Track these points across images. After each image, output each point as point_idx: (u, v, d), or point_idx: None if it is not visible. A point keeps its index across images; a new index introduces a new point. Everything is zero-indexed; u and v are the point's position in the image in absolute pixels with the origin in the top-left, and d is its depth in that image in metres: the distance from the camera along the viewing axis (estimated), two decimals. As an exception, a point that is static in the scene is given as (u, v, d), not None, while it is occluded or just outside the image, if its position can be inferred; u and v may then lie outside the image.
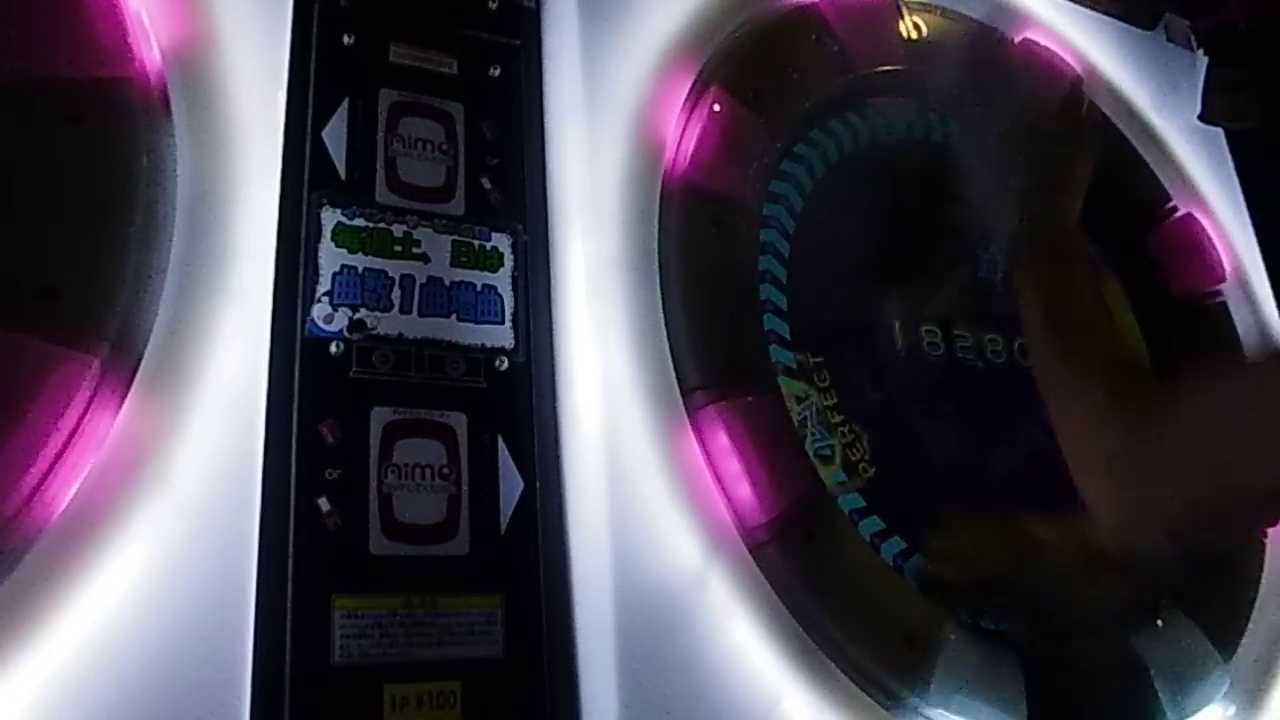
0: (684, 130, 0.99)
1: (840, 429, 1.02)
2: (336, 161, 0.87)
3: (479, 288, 0.89)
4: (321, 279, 0.83)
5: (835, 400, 1.03)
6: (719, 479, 0.88)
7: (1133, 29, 1.47)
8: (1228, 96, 1.43)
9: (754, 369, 0.94)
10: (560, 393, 0.89)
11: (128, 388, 0.71)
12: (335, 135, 0.87)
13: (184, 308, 0.75)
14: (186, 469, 0.71)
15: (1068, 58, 1.32)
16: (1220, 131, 1.46)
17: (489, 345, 0.87)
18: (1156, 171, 1.34)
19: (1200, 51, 1.49)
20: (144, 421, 0.71)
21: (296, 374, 0.79)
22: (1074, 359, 0.81)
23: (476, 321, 0.87)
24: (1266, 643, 1.12)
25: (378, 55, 0.92)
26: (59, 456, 0.66)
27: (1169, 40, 1.49)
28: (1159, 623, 1.06)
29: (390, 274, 0.85)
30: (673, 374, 0.90)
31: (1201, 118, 1.43)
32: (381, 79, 0.92)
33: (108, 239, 0.71)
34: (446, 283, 0.87)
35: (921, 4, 1.21)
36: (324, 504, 0.76)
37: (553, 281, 0.92)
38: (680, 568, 0.84)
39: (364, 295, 0.84)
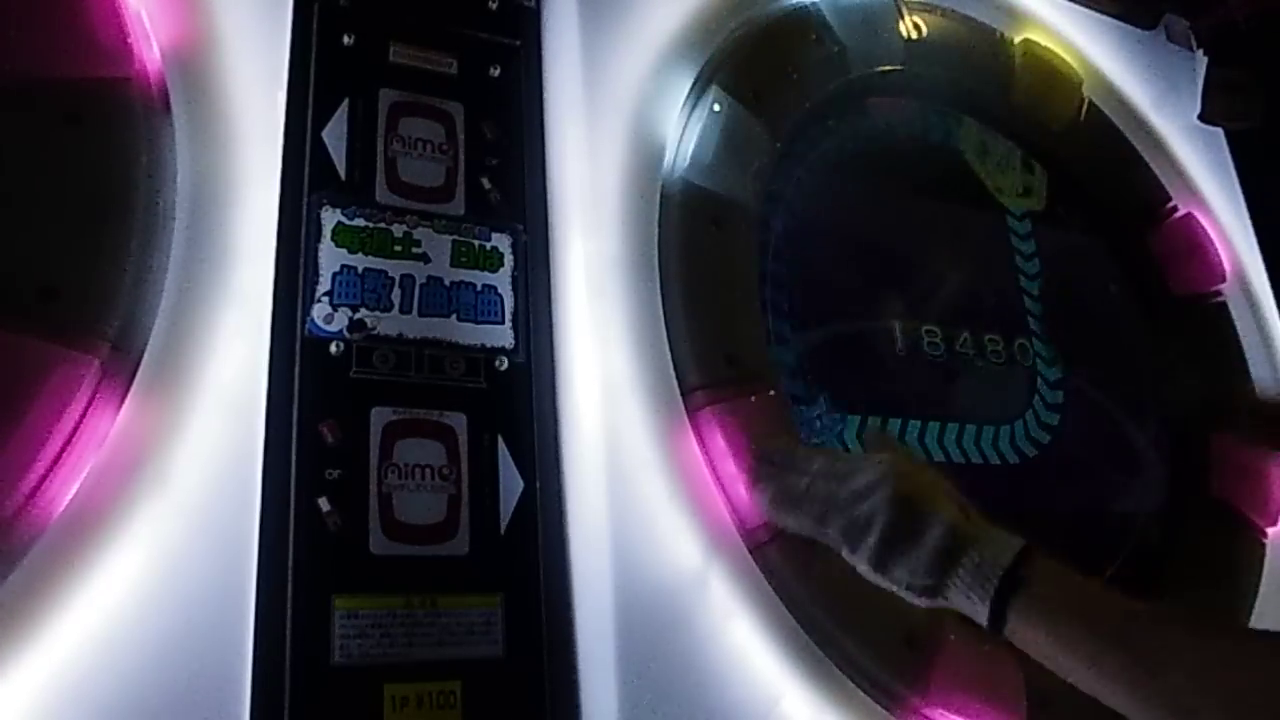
0: (684, 130, 0.99)
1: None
2: (336, 161, 0.87)
3: (479, 288, 0.89)
4: (321, 279, 0.83)
5: (834, 399, 1.03)
6: (719, 479, 0.88)
7: (1133, 29, 1.47)
8: (1228, 96, 1.43)
9: (754, 369, 0.94)
10: (560, 393, 0.89)
11: (128, 388, 0.71)
12: (335, 135, 0.87)
13: (184, 308, 0.75)
14: (186, 469, 0.71)
15: (1068, 58, 1.32)
16: (1220, 131, 1.46)
17: (489, 345, 0.87)
18: (1156, 171, 1.34)
19: (1200, 51, 1.49)
20: (144, 421, 0.71)
21: (296, 374, 0.79)
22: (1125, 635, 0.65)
23: (476, 321, 0.87)
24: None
25: (378, 55, 0.92)
26: (59, 456, 0.66)
27: (1169, 40, 1.49)
28: (1159, 623, 1.06)
29: (390, 274, 0.85)
30: (672, 374, 0.90)
31: (1201, 118, 1.44)
32: (381, 79, 0.92)
33: (108, 239, 0.71)
34: (446, 283, 0.87)
35: (921, 4, 1.21)
36: (324, 504, 0.76)
37: (553, 281, 0.92)
38: (680, 568, 0.84)
39: (364, 295, 0.84)
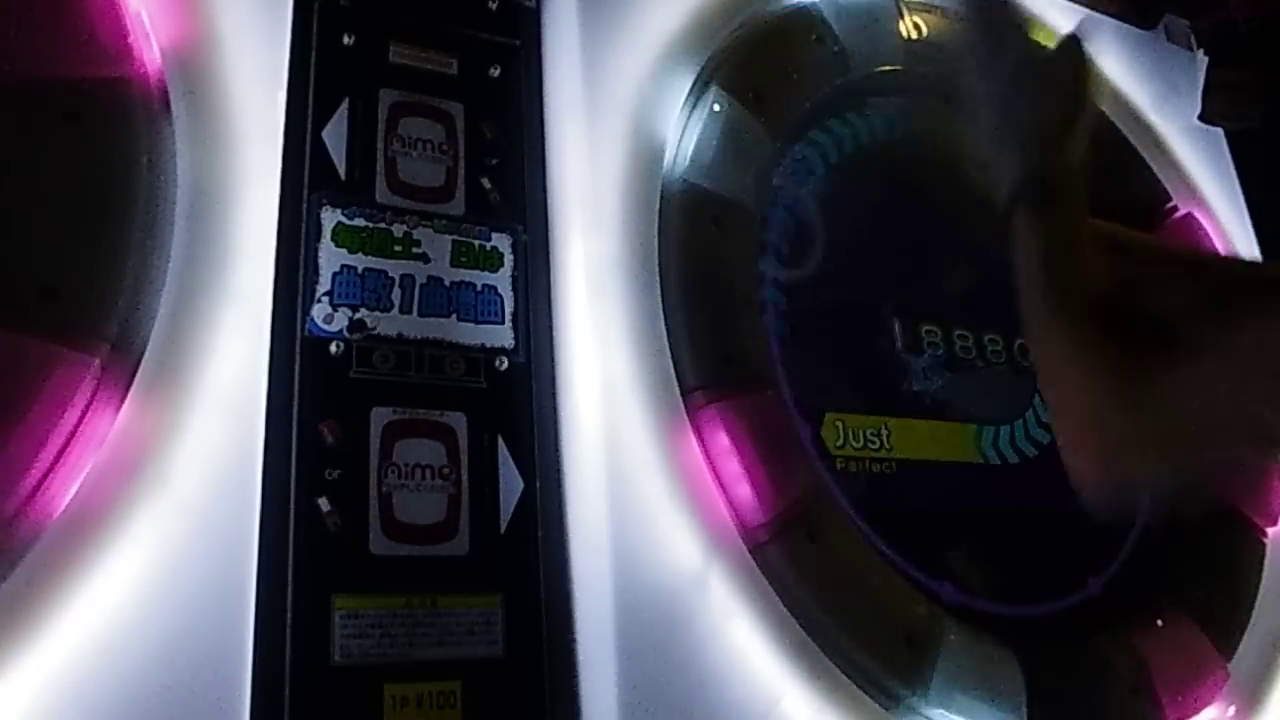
0: (684, 130, 0.99)
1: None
2: (336, 161, 0.87)
3: (479, 288, 0.89)
4: (321, 279, 0.83)
5: (836, 399, 1.03)
6: (719, 479, 0.88)
7: (1133, 29, 1.47)
8: (1228, 96, 1.43)
9: (754, 369, 0.94)
10: (560, 393, 0.89)
11: (128, 388, 0.71)
12: (335, 135, 0.87)
13: (184, 308, 0.75)
14: (186, 469, 0.71)
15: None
16: (1220, 131, 1.46)
17: (489, 345, 0.87)
18: (1156, 171, 1.34)
19: (1200, 51, 1.49)
20: (144, 421, 0.71)
21: (296, 374, 0.79)
22: (1067, 311, 0.77)
23: (476, 321, 0.87)
24: (1266, 643, 1.12)
25: (378, 55, 0.92)
26: (59, 456, 0.66)
27: (1169, 40, 1.50)
28: (1159, 623, 1.06)
29: (390, 274, 0.85)
30: (673, 374, 0.90)
31: (1201, 118, 1.43)
32: (381, 79, 0.92)
33: (108, 239, 0.71)
34: (446, 283, 0.87)
35: (921, 4, 1.21)
36: (324, 504, 0.76)
37: (553, 281, 0.92)
38: (680, 568, 0.84)
39: (364, 295, 0.84)
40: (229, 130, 0.82)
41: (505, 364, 0.87)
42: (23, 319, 0.67)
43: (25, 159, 0.71)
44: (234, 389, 0.75)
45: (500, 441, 0.84)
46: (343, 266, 0.84)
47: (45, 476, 0.65)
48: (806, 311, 1.05)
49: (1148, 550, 1.16)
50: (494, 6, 0.99)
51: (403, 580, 0.77)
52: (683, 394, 0.89)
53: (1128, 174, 1.34)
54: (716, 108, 0.99)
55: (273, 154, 0.83)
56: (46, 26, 0.74)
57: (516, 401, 0.86)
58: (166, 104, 0.79)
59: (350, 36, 0.91)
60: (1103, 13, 1.43)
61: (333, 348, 0.81)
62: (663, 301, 0.92)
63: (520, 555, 0.82)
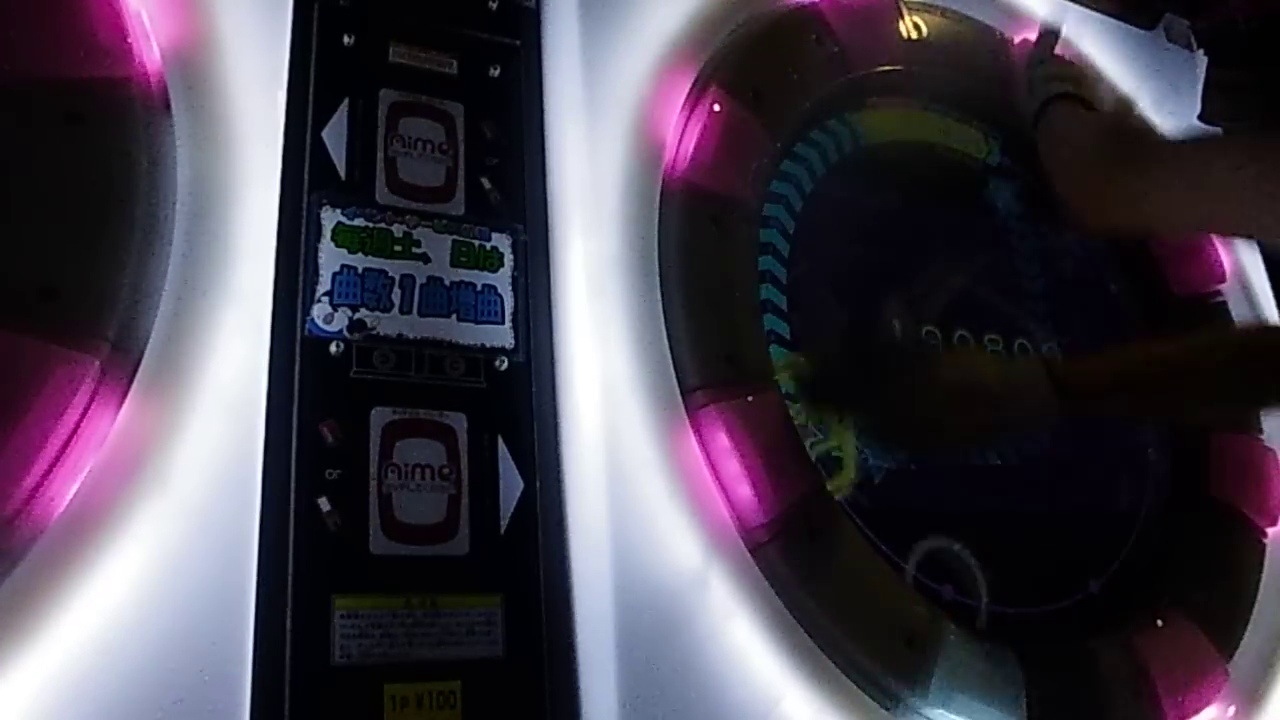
0: (684, 130, 0.99)
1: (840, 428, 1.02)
2: (336, 161, 0.87)
3: (479, 288, 0.89)
4: (321, 279, 0.83)
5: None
6: (719, 479, 0.88)
7: (1133, 29, 1.47)
8: (1228, 96, 1.43)
9: (754, 369, 0.94)
10: (560, 393, 0.89)
11: (128, 388, 0.71)
12: (335, 135, 0.87)
13: (184, 308, 0.75)
14: (186, 469, 0.71)
15: (1068, 58, 1.32)
16: (1220, 131, 1.46)
17: (489, 345, 0.87)
18: (1156, 171, 1.34)
19: (1200, 51, 1.49)
20: (144, 421, 0.71)
21: (296, 374, 0.79)
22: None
23: (476, 321, 0.87)
24: (1266, 643, 1.12)
25: (378, 55, 0.92)
26: (59, 457, 0.66)
27: (1169, 40, 1.50)
28: (1159, 623, 1.06)
29: (390, 274, 0.85)
30: (673, 374, 0.90)
31: (1201, 118, 1.43)
32: (381, 79, 0.92)
33: (108, 239, 0.71)
34: (446, 283, 0.87)
35: (921, 4, 1.21)
36: (324, 504, 0.76)
37: (553, 281, 0.92)
38: (680, 568, 0.84)
39: (364, 295, 0.84)
40: (229, 130, 0.82)
41: (505, 364, 0.87)
42: (23, 319, 0.67)
43: (25, 159, 0.71)
44: (234, 389, 0.75)
45: (500, 441, 0.84)
46: (343, 266, 0.84)
47: (45, 477, 0.65)
48: (807, 311, 1.05)
49: (1147, 550, 1.17)
50: (494, 6, 0.99)
51: (403, 580, 0.77)
52: (683, 394, 0.89)
53: (1128, 174, 1.34)
54: (716, 107, 0.99)
55: (273, 154, 0.83)
56: (46, 26, 0.74)
57: (516, 401, 0.86)
58: (166, 104, 0.79)
59: (350, 36, 0.91)
60: (1103, 13, 1.44)
61: (333, 348, 0.81)
62: (663, 301, 0.92)
63: (520, 555, 0.82)
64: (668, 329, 0.91)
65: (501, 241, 0.91)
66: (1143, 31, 1.48)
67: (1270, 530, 1.18)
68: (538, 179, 0.95)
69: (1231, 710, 1.05)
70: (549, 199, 0.95)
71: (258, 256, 0.80)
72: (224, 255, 0.78)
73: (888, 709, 0.87)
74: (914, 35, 1.18)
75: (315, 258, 0.83)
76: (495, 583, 0.80)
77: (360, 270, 0.84)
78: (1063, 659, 0.98)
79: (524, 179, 0.95)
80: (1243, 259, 1.38)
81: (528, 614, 0.80)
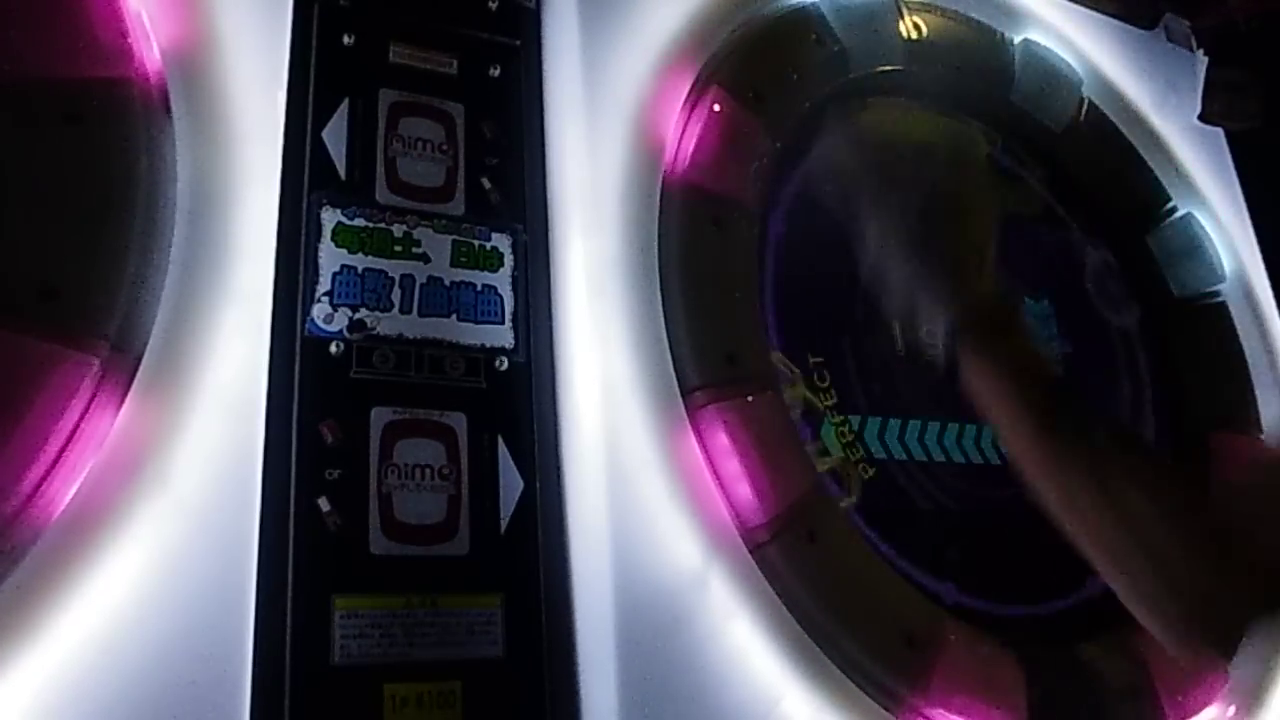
0: (684, 130, 0.99)
1: (840, 429, 1.02)
2: (336, 161, 0.87)
3: (479, 288, 0.89)
4: (321, 279, 0.83)
5: (835, 400, 1.03)
6: (719, 479, 0.88)
7: (1133, 29, 1.47)
8: (1228, 96, 1.43)
9: (754, 369, 0.94)
10: (560, 393, 0.89)
11: (128, 388, 0.71)
12: (335, 135, 0.87)
13: (184, 308, 0.75)
14: (186, 469, 0.71)
15: (1068, 58, 1.32)
16: (1220, 131, 1.46)
17: (489, 345, 0.87)
18: (1156, 171, 1.34)
19: (1200, 51, 1.49)
20: (144, 421, 0.71)
21: (296, 374, 0.79)
22: (1070, 456, 0.75)
23: (476, 321, 0.87)
24: (1266, 643, 1.11)
25: (378, 55, 0.92)
26: (59, 457, 0.66)
27: (1169, 40, 1.49)
28: (1159, 623, 1.06)
29: (390, 274, 0.85)
30: (673, 374, 0.90)
31: (1201, 118, 1.43)
32: (381, 79, 0.92)
33: (108, 239, 0.71)
34: (446, 283, 0.87)
35: (921, 4, 1.21)
36: (324, 504, 0.76)
37: (553, 281, 0.92)
38: (680, 568, 0.84)
39: (364, 295, 0.84)
40: (229, 130, 0.82)
41: (505, 364, 0.87)
42: (23, 319, 0.67)
43: (25, 159, 0.71)
44: (234, 389, 0.75)
45: (500, 441, 0.84)
46: (343, 266, 0.84)
47: (45, 476, 0.65)
48: (806, 311, 1.05)
49: (1148, 550, 1.16)
50: (494, 6, 1.00)
51: (403, 580, 0.77)
52: (683, 394, 0.89)
53: (1128, 174, 1.34)
54: (716, 107, 0.99)
55: (273, 154, 0.83)
56: (46, 26, 0.74)
57: (516, 401, 0.87)
58: (166, 104, 0.79)
59: (350, 36, 0.91)
60: (1103, 13, 1.44)
61: (333, 348, 0.81)
62: (663, 301, 0.92)
63: (520, 555, 0.82)
64: (668, 329, 0.91)
65: (501, 241, 0.91)
66: (1143, 31, 1.48)
67: (1270, 530, 1.18)
68: (538, 179, 0.95)
69: (1231, 710, 1.05)
70: (549, 199, 0.95)
71: (258, 256, 0.80)
72: (224, 255, 0.78)
73: (888, 709, 0.87)
74: (914, 35, 1.18)
75: (315, 258, 0.83)
76: (495, 583, 0.80)
77: (360, 270, 0.84)
78: (1063, 659, 0.98)
79: (524, 179, 0.95)
80: (1243, 259, 1.37)
81: (528, 614, 0.80)
